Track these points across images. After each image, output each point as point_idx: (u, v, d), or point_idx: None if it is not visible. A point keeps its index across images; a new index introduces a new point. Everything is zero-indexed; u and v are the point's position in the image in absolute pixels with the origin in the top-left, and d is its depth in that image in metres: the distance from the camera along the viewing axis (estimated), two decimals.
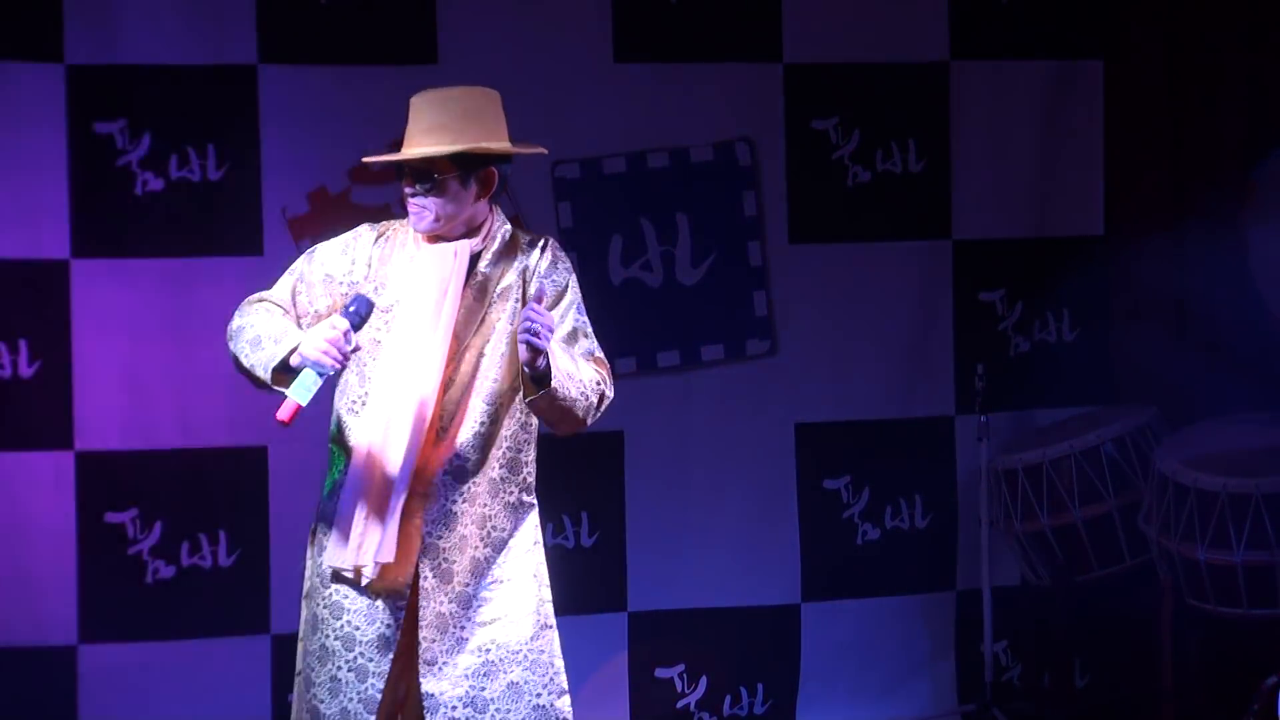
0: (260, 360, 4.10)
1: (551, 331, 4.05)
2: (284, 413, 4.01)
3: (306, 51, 5.92)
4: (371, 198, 6.00)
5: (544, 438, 5.84)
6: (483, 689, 4.18)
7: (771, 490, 6.24)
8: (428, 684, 4.16)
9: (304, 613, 4.30)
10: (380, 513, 4.12)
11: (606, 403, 4.23)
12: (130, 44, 5.81)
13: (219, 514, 5.94)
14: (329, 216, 5.96)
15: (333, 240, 4.30)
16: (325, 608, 4.21)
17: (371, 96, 5.92)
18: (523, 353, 4.03)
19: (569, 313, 4.25)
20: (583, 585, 6.11)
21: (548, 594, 4.27)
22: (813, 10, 6.23)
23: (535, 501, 4.30)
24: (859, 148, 6.29)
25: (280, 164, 5.92)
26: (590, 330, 4.29)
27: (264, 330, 4.14)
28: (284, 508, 5.96)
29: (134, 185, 5.86)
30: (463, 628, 4.18)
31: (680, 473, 6.19)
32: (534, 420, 4.23)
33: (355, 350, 4.08)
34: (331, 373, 4.04)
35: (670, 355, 6.19)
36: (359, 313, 4.08)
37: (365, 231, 4.29)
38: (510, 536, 4.23)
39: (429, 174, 4.17)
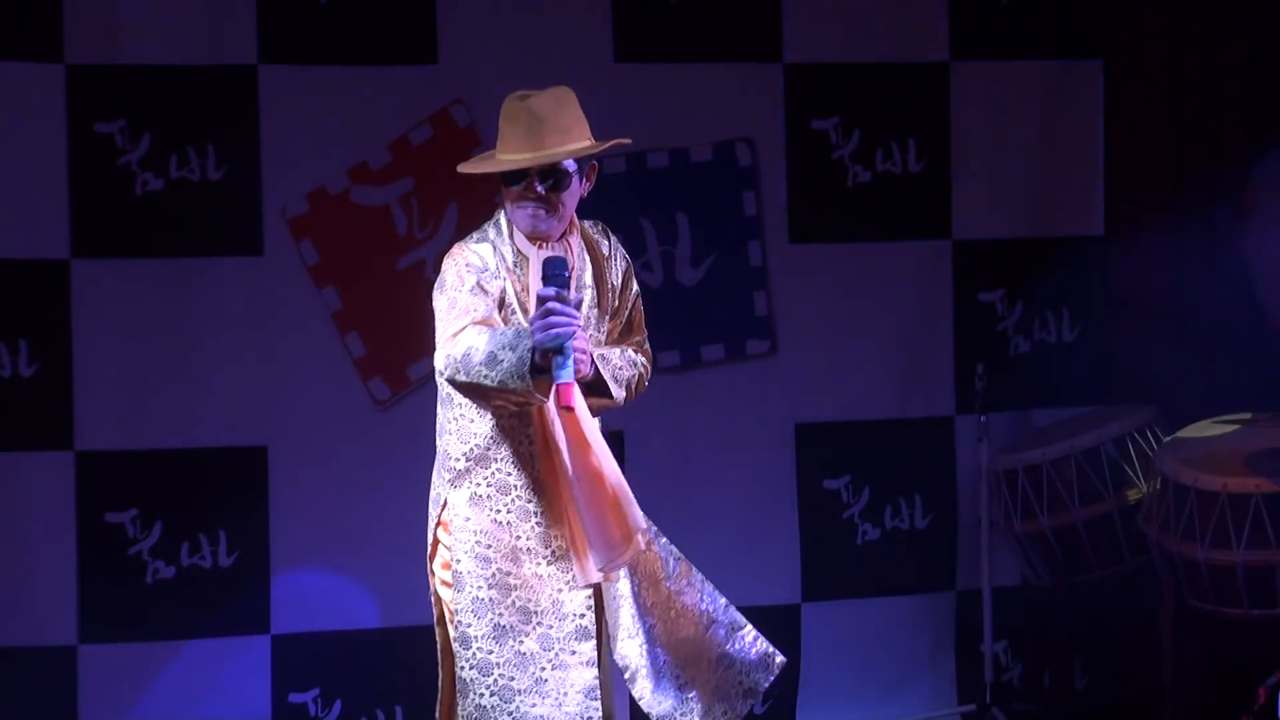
0: (508, 372, 4.03)
1: (586, 353, 4.11)
2: (567, 399, 4.01)
3: (306, 52, 5.92)
4: (371, 197, 6.00)
5: None
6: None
7: (771, 490, 6.24)
8: (619, 651, 4.31)
9: (473, 629, 4.25)
10: (624, 506, 4.26)
11: (648, 381, 4.44)
12: (130, 44, 5.81)
13: (219, 514, 5.94)
14: (329, 216, 5.96)
15: (465, 249, 4.28)
16: (512, 615, 4.25)
17: (371, 97, 5.93)
18: (543, 342, 4.06)
19: (633, 306, 4.43)
20: None
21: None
22: (813, 10, 6.23)
23: None
24: (859, 148, 6.29)
25: (280, 164, 5.92)
26: (643, 321, 4.47)
27: (489, 346, 4.08)
28: (284, 508, 5.96)
29: (134, 185, 5.86)
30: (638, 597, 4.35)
31: (680, 473, 6.19)
32: None
33: (579, 304, 4.10)
34: (572, 337, 4.01)
35: (670, 355, 6.19)
36: (560, 274, 4.06)
37: (475, 241, 4.31)
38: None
39: (562, 174, 4.24)
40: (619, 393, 4.33)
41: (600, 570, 4.27)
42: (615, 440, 6.14)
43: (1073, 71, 6.40)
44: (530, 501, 4.27)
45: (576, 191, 4.33)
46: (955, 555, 6.35)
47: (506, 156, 4.24)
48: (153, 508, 5.91)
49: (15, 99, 5.76)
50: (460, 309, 4.18)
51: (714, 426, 6.20)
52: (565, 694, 4.24)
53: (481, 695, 4.23)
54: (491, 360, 4.05)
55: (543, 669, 4.24)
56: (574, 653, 4.26)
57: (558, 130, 4.25)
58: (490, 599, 4.24)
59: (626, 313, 4.44)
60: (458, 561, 4.27)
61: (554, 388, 4.03)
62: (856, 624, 6.27)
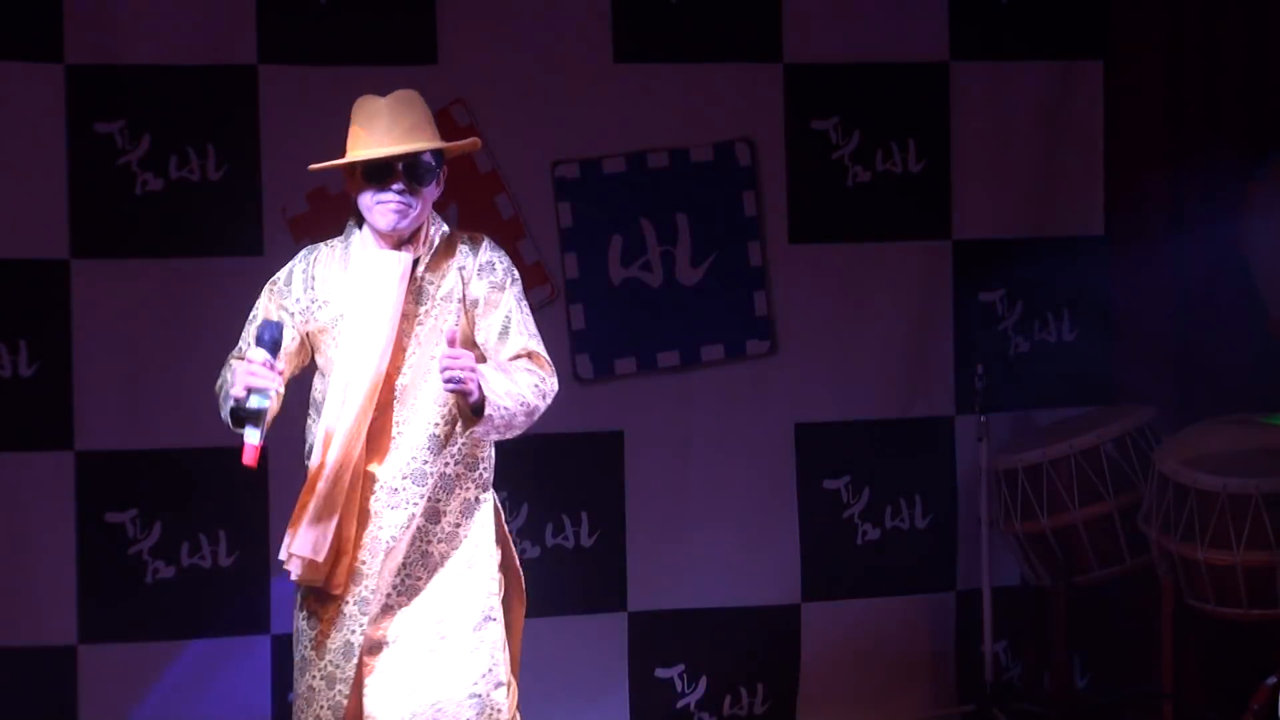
0: (223, 410, 4.26)
1: (474, 371, 4.11)
2: (246, 457, 4.16)
3: (306, 52, 5.92)
4: None
5: (541, 438, 5.87)
6: (424, 677, 4.26)
7: (771, 490, 6.24)
8: (371, 675, 4.25)
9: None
10: (325, 515, 4.25)
11: (549, 399, 4.32)
12: (130, 44, 5.81)
13: (219, 514, 5.94)
14: (329, 216, 5.94)
15: (277, 275, 4.43)
16: (304, 619, 4.34)
17: None
18: (451, 396, 4.15)
19: (504, 309, 4.33)
20: (582, 585, 6.12)
21: (495, 587, 4.35)
22: (813, 10, 6.23)
23: (493, 497, 4.41)
24: (859, 148, 6.29)
25: (280, 164, 5.91)
26: (528, 324, 4.37)
27: (224, 379, 4.32)
28: (283, 508, 5.92)
29: (134, 185, 5.86)
30: (409, 619, 4.26)
31: (680, 473, 6.19)
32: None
33: (281, 372, 4.20)
34: (270, 396, 4.14)
35: (670, 355, 6.19)
36: (270, 337, 4.19)
37: (301, 257, 4.42)
38: (466, 533, 4.32)
39: (422, 172, 4.25)
40: (503, 406, 4.18)
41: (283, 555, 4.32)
42: (614, 440, 6.17)
43: (1073, 72, 6.40)
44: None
45: (433, 194, 4.33)
46: (955, 555, 6.34)
47: (368, 151, 4.25)
48: (153, 508, 5.91)
49: (15, 99, 5.76)
50: (245, 332, 4.42)
51: (714, 426, 6.20)
52: (321, 708, 4.27)
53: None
54: (224, 398, 4.28)
55: (313, 677, 4.31)
56: (338, 667, 4.30)
57: (416, 126, 4.29)
58: (300, 601, 4.41)
59: (495, 320, 4.32)
60: None
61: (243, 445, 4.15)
62: (856, 624, 6.26)
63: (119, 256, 5.86)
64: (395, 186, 4.24)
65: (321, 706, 4.27)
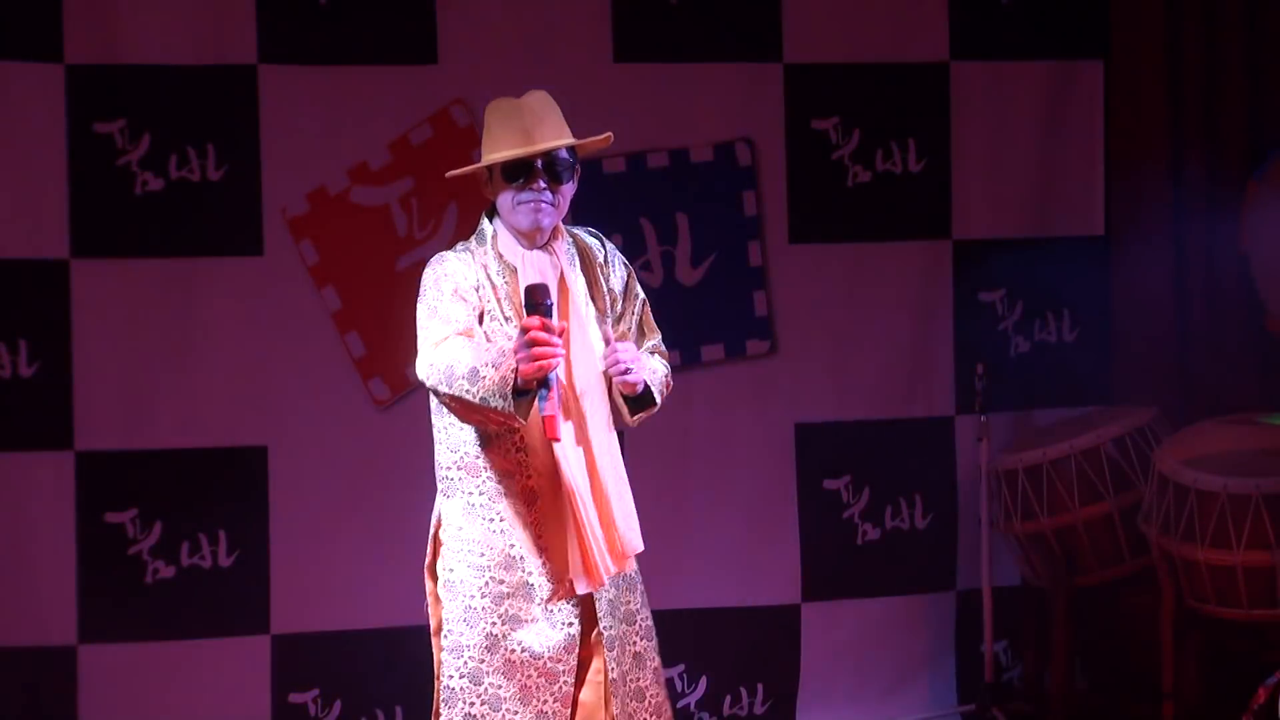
0: (489, 389, 4.03)
1: (638, 361, 4.22)
2: (552, 431, 4.05)
3: (306, 52, 5.92)
4: (371, 197, 6.00)
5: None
6: (619, 660, 4.31)
7: (771, 490, 6.24)
8: (613, 669, 4.29)
9: (465, 638, 4.26)
10: (622, 512, 4.29)
11: (670, 386, 4.47)
12: (130, 44, 5.82)
13: (219, 514, 5.94)
14: (329, 216, 5.96)
15: (445, 259, 4.29)
16: (504, 624, 4.25)
17: (371, 97, 5.93)
18: (620, 386, 4.22)
19: (638, 303, 4.45)
20: None
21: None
22: (813, 10, 6.23)
23: None
24: (859, 147, 6.29)
25: (280, 164, 5.92)
26: (653, 323, 4.51)
27: (473, 361, 4.07)
28: (284, 508, 5.96)
29: (133, 185, 5.86)
30: (621, 606, 4.34)
31: (680, 472, 6.19)
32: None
33: (563, 331, 4.09)
34: (558, 364, 4.05)
35: (670, 355, 6.16)
36: (544, 303, 4.05)
37: (455, 255, 4.30)
38: None
39: (560, 170, 4.27)
40: (659, 394, 4.36)
41: (592, 581, 4.25)
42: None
43: (1073, 72, 6.40)
44: (525, 508, 4.25)
45: (572, 187, 4.34)
46: (955, 555, 6.34)
47: (512, 151, 4.23)
48: (153, 508, 5.91)
49: (15, 99, 5.76)
50: (442, 317, 4.19)
51: (714, 426, 6.20)
52: (546, 702, 4.25)
53: (471, 704, 4.23)
54: (474, 375, 4.05)
55: (529, 677, 4.24)
56: (559, 661, 4.26)
57: (553, 125, 4.28)
58: (483, 608, 4.24)
59: (634, 318, 4.44)
60: (450, 570, 4.28)
61: (543, 418, 4.06)
62: (856, 624, 6.26)
63: (119, 256, 5.86)
64: (537, 185, 4.24)
65: (546, 701, 4.24)
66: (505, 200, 4.28)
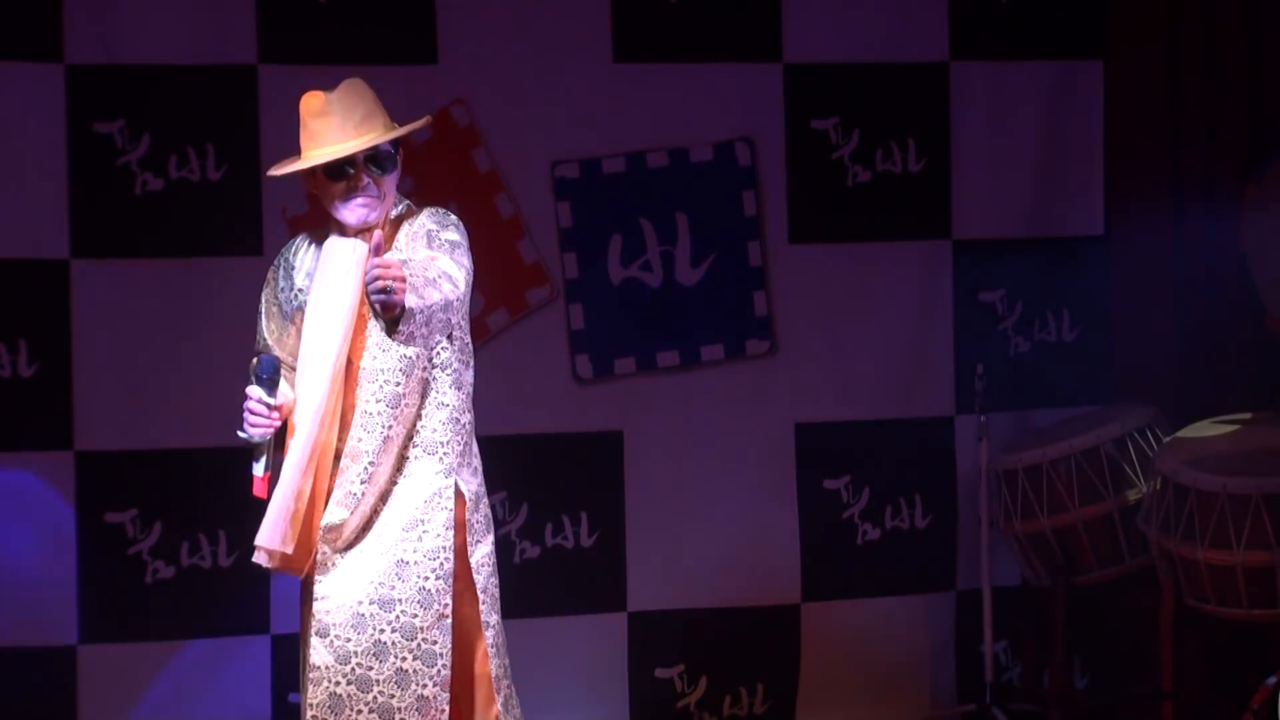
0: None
1: (402, 280, 4.00)
2: (256, 489, 4.32)
3: (306, 52, 5.92)
4: None
5: (541, 438, 5.86)
6: (370, 668, 4.25)
7: (771, 490, 6.23)
8: (316, 655, 4.26)
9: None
10: (289, 499, 4.28)
11: (463, 286, 4.20)
12: (130, 44, 5.82)
13: (218, 514, 5.94)
14: (328, 216, 5.95)
15: (269, 271, 4.48)
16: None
17: None
18: (377, 307, 4.05)
19: (428, 238, 4.27)
20: (582, 585, 6.12)
21: (449, 584, 4.29)
22: (813, 10, 6.22)
23: (456, 483, 4.34)
24: (859, 147, 6.28)
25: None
26: (453, 248, 4.25)
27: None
28: None
29: (133, 185, 5.86)
30: (360, 602, 4.26)
31: (680, 472, 6.18)
32: (451, 395, 4.30)
33: (278, 407, 4.28)
34: (268, 435, 4.30)
35: (670, 355, 6.19)
36: (261, 374, 4.29)
37: (282, 250, 4.48)
38: (424, 517, 4.29)
39: (383, 162, 4.27)
40: (422, 298, 4.07)
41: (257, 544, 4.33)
42: (613, 440, 6.16)
43: (1073, 72, 6.40)
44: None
45: (396, 176, 4.34)
46: (955, 555, 6.34)
47: (325, 150, 4.24)
48: (153, 508, 5.91)
49: (15, 99, 5.76)
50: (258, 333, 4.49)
51: (714, 426, 6.20)
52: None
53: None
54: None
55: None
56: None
57: (369, 117, 4.29)
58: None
59: (423, 242, 4.29)
60: None
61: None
62: (856, 624, 6.26)
63: (119, 256, 5.86)
64: (361, 182, 4.26)
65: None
66: (335, 197, 4.30)
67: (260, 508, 5.80)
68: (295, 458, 4.29)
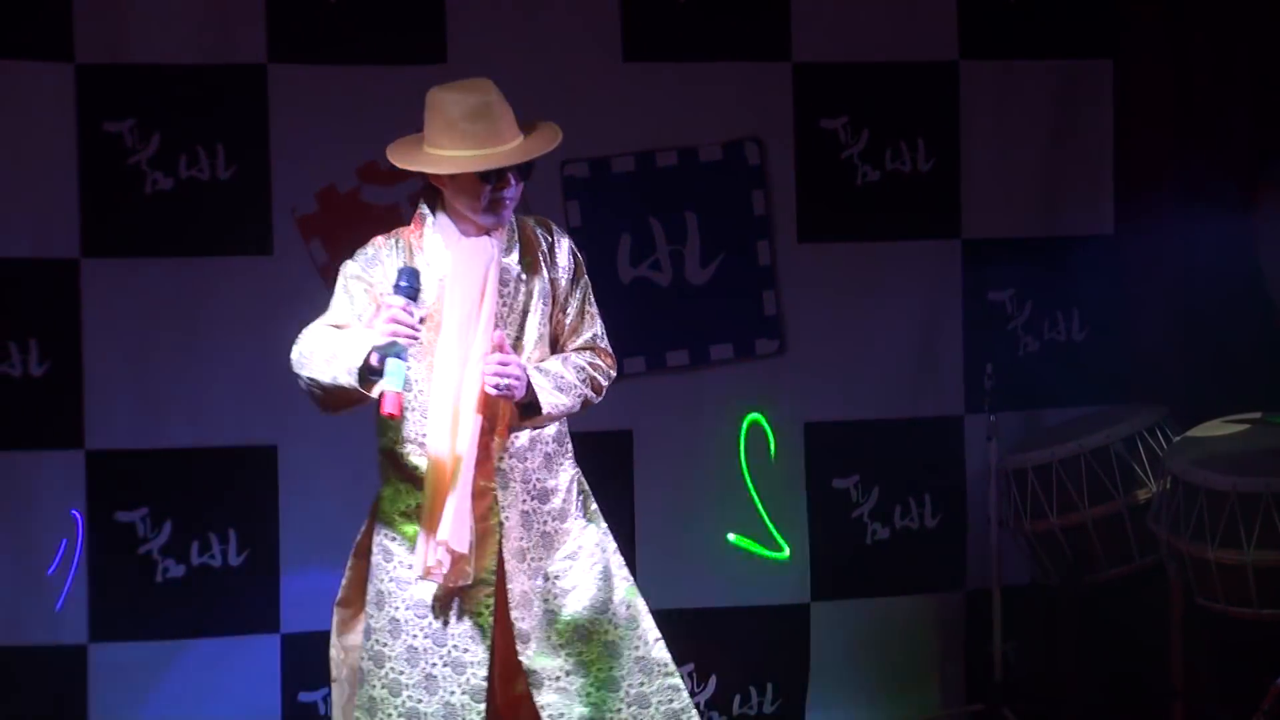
0: (340, 369, 4.13)
1: (519, 378, 4.22)
2: (389, 405, 4.08)
3: (315, 51, 5.93)
4: (380, 196, 6.00)
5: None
6: (580, 653, 4.32)
7: (780, 489, 6.23)
8: (527, 660, 4.30)
9: (374, 620, 4.34)
10: (460, 509, 4.24)
11: (604, 390, 4.46)
12: (140, 43, 5.82)
13: (229, 513, 5.95)
14: (338, 215, 5.97)
15: (356, 254, 4.40)
16: (407, 609, 4.30)
17: (380, 96, 5.93)
18: (494, 393, 4.20)
19: (580, 298, 4.46)
20: None
21: (614, 546, 4.47)
22: (822, 9, 6.22)
23: (579, 471, 4.53)
24: (868, 147, 6.28)
25: (289, 163, 5.92)
26: (596, 315, 4.50)
27: (331, 346, 4.20)
28: (294, 507, 5.97)
29: (143, 184, 5.87)
30: (546, 600, 4.32)
31: (689, 472, 6.19)
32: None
33: (423, 320, 4.19)
34: (410, 347, 4.11)
35: (679, 354, 6.19)
36: (410, 285, 4.13)
37: (381, 241, 4.40)
38: (569, 506, 4.42)
39: (528, 172, 4.36)
40: (559, 401, 4.34)
41: (428, 574, 4.27)
42: (623, 440, 6.17)
43: (1082, 71, 6.39)
44: (420, 495, 4.33)
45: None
46: (965, 554, 6.34)
47: (484, 151, 4.26)
48: (163, 507, 5.92)
49: (25, 98, 5.77)
50: (330, 308, 4.34)
51: (723, 425, 6.20)
52: (453, 693, 4.27)
53: (373, 687, 4.29)
54: (331, 358, 4.16)
55: (434, 665, 4.27)
56: (466, 651, 4.30)
57: (510, 123, 4.34)
58: (389, 592, 4.34)
59: (575, 307, 4.47)
60: (373, 554, 4.42)
61: (381, 394, 4.11)
62: (866, 623, 6.26)
63: (128, 255, 5.87)
64: (509, 185, 4.31)
65: (452, 692, 4.26)
66: (472, 194, 4.31)
67: (263, 510, 5.87)
68: (467, 457, 4.25)
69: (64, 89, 5.79)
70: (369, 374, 4.12)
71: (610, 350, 4.53)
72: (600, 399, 4.46)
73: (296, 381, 4.33)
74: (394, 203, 5.98)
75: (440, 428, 4.25)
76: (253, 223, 5.93)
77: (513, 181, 4.32)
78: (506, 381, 4.20)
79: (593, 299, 4.53)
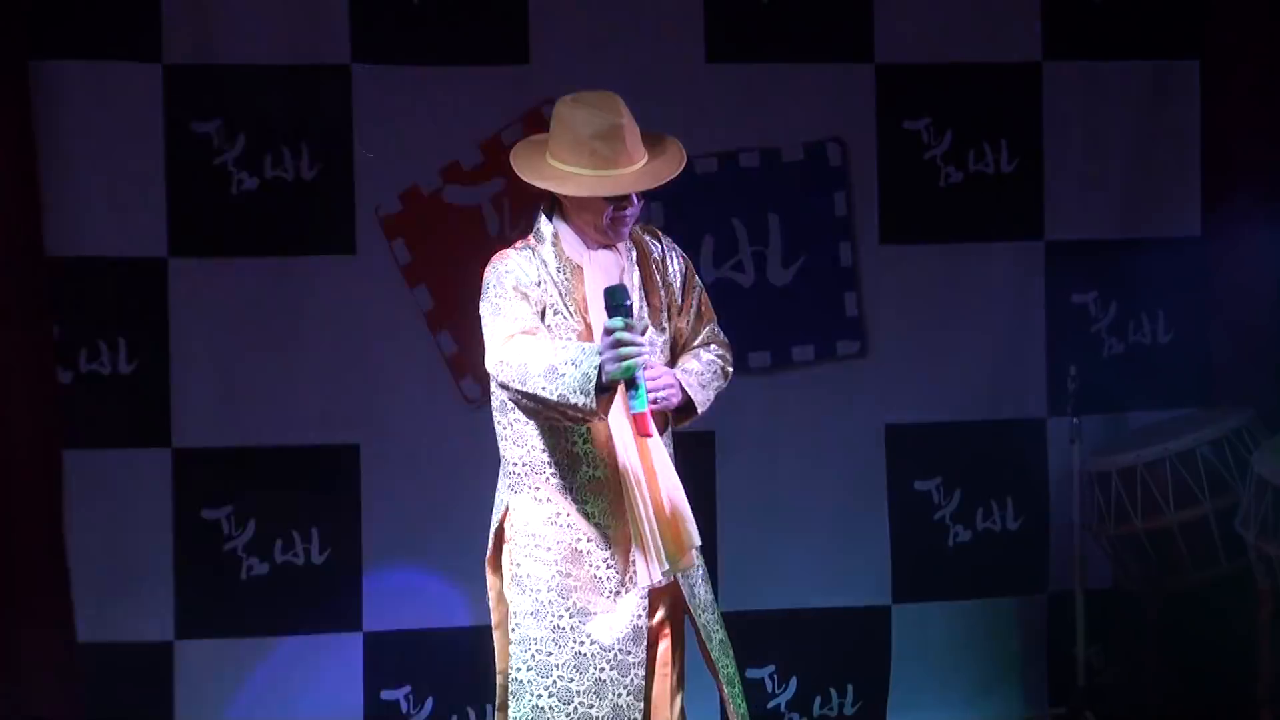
0: (570, 386, 4.04)
1: (673, 386, 4.30)
2: (644, 428, 4.11)
3: (399, 51, 5.96)
4: (463, 197, 6.03)
5: None
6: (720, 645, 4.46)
7: (862, 491, 6.22)
8: (716, 656, 4.42)
9: (533, 630, 4.30)
10: (664, 511, 4.24)
11: (732, 370, 4.55)
12: (226, 44, 5.88)
13: (312, 511, 5.99)
14: (421, 215, 6.00)
15: (506, 258, 4.30)
16: (571, 616, 4.27)
17: (463, 96, 5.96)
18: (654, 407, 4.23)
19: (696, 297, 4.49)
20: None
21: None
22: (905, 10, 6.21)
23: None
24: (951, 148, 6.26)
25: (373, 163, 5.96)
26: (711, 309, 4.54)
27: (551, 359, 4.09)
28: (376, 506, 6.00)
29: (229, 184, 5.92)
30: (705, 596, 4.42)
31: (771, 473, 6.18)
32: None
33: (646, 330, 4.25)
34: (644, 362, 4.07)
35: (761, 356, 6.19)
36: (626, 305, 4.06)
37: (514, 254, 4.30)
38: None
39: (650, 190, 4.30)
40: (707, 397, 4.43)
41: (662, 573, 4.26)
42: (705, 441, 6.16)
43: (1168, 72, 6.34)
44: (588, 502, 4.28)
45: None
46: (1047, 557, 6.30)
47: (613, 172, 4.21)
48: (247, 505, 5.96)
49: (114, 99, 5.83)
50: (506, 314, 4.21)
51: (804, 427, 6.19)
52: (620, 695, 4.27)
53: (539, 696, 4.25)
54: (551, 372, 4.06)
55: (601, 669, 4.26)
56: (629, 653, 4.28)
57: (637, 142, 4.29)
58: (550, 601, 4.27)
59: (693, 309, 4.48)
60: (517, 565, 4.31)
61: (632, 417, 4.10)
62: (947, 626, 6.23)
63: (214, 255, 5.92)
64: (632, 204, 4.27)
65: (620, 694, 4.27)
66: (596, 211, 4.27)
67: (346, 506, 5.90)
68: (661, 467, 4.27)
69: (152, 90, 5.85)
70: (600, 392, 4.06)
71: (727, 340, 4.58)
72: (724, 387, 4.53)
73: (505, 389, 4.21)
74: (477, 203, 6.01)
75: (619, 442, 4.24)
76: (336, 222, 5.96)
77: (635, 201, 4.28)
78: (665, 393, 4.26)
79: (706, 296, 4.54)
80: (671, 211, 6.13)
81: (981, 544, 6.28)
